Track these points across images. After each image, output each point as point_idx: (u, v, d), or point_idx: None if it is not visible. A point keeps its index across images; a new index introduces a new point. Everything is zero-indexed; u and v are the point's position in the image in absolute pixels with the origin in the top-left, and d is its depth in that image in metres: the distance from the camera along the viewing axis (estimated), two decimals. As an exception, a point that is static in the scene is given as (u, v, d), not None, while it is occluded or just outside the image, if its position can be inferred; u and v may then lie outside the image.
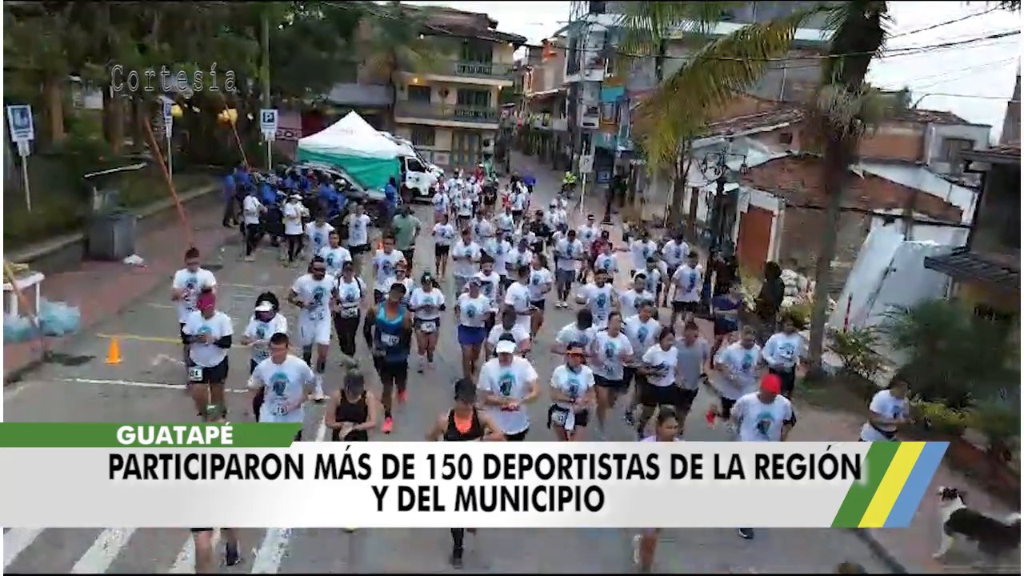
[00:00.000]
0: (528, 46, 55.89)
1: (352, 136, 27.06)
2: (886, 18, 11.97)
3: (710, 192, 25.41)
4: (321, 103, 37.23)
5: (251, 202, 17.82)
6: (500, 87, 48.77)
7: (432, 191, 30.69)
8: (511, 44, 49.05)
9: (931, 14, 12.09)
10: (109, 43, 17.43)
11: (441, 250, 16.72)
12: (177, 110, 23.52)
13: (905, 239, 16.96)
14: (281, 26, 31.09)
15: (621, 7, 18.58)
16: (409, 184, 29.72)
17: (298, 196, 18.11)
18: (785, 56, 14.03)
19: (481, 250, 13.83)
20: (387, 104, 44.80)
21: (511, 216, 20.47)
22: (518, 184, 27.19)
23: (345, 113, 30.19)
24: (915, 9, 13.41)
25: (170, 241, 17.81)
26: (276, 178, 21.69)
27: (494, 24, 50.16)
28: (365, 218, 15.91)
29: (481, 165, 36.50)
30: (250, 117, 29.61)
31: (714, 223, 20.13)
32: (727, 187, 21.18)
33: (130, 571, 6.43)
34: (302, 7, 33.06)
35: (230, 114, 26.27)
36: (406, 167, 29.93)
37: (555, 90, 56.18)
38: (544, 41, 57.97)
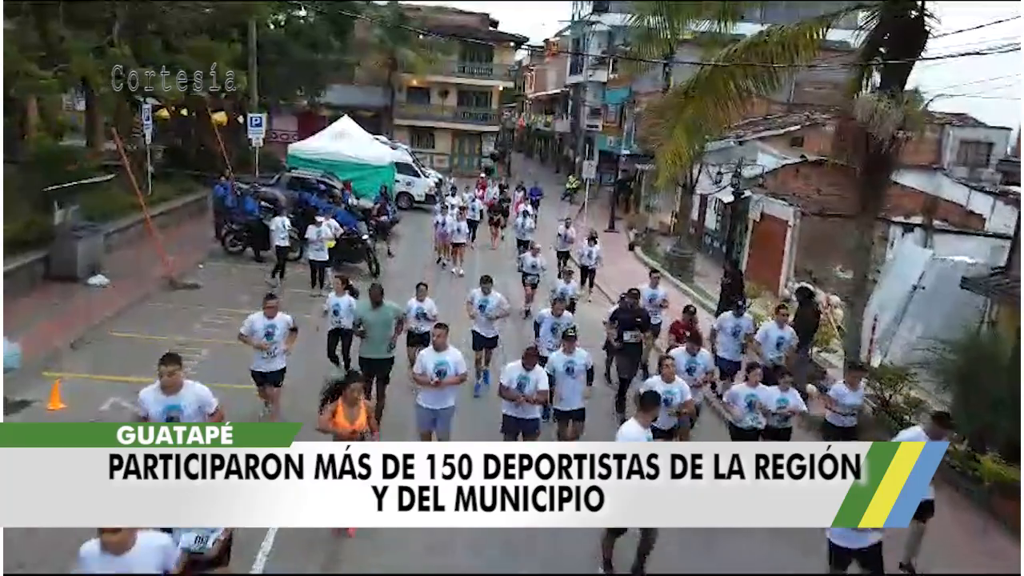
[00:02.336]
0: (530, 46, 56.35)
1: (344, 140, 26.76)
2: (929, 16, 11.14)
3: (719, 199, 25.57)
4: (317, 105, 37.27)
5: (280, 222, 16.94)
6: (501, 88, 49.21)
7: (430, 197, 30.74)
8: (512, 44, 49.48)
9: (956, 15, 11.72)
10: (62, 45, 16.80)
11: (419, 340, 10.83)
12: (164, 113, 23.44)
13: (925, 247, 16.83)
14: (272, 27, 30.96)
15: (627, 6, 18.53)
16: (399, 188, 29.37)
17: (321, 218, 16.70)
18: (816, 58, 13.06)
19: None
20: (385, 105, 45.19)
21: (532, 253, 16.55)
22: (523, 200, 25.71)
23: (342, 115, 30.18)
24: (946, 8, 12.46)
25: (142, 259, 17.13)
26: (273, 192, 20.78)
27: (495, 24, 50.67)
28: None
29: (483, 175, 34.42)
30: (240, 120, 29.49)
31: (728, 235, 20.08)
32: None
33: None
34: (291, 8, 33.05)
35: (217, 118, 26.10)
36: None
37: (557, 91, 56.64)
38: (546, 41, 58.42)
